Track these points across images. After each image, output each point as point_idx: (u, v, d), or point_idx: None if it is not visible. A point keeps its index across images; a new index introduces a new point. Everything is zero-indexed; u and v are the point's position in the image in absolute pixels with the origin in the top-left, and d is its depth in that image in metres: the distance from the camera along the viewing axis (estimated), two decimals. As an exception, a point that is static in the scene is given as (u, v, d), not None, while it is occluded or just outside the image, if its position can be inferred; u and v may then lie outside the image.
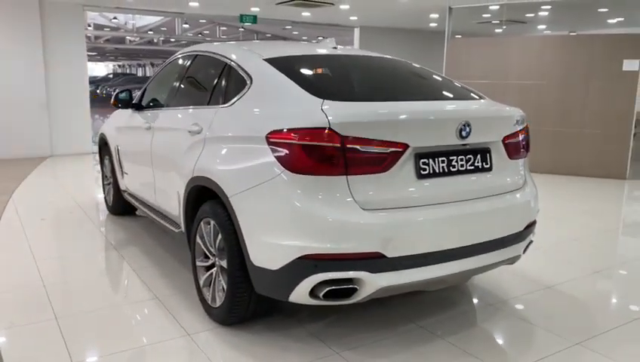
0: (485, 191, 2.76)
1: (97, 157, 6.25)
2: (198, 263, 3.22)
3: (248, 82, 2.97)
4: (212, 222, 2.97)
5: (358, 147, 2.39)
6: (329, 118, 2.37)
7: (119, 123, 4.90)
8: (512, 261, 2.96)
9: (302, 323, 3.06)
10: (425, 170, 2.56)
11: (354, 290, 2.45)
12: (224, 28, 18.30)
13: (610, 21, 11.32)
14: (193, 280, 3.31)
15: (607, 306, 3.47)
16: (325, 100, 2.54)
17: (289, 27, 13.89)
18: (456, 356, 2.73)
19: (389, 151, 2.45)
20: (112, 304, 3.34)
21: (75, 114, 9.68)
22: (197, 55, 3.82)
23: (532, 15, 10.36)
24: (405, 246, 2.44)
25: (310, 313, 3.17)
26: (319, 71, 3.13)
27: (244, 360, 2.67)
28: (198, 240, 3.18)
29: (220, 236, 2.88)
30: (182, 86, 3.86)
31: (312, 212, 2.39)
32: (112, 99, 4.51)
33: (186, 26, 17.83)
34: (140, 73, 44.11)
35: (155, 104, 4.20)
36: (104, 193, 5.62)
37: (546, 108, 8.39)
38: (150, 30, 20.38)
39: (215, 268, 3.05)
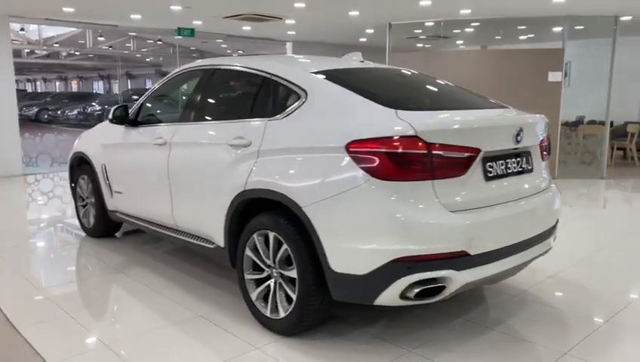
0: (531, 191, 3.05)
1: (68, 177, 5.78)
2: (247, 276, 3.20)
3: (302, 95, 3.03)
4: (271, 234, 2.98)
5: (441, 153, 2.57)
6: (414, 126, 2.53)
7: (106, 140, 4.66)
8: (546, 252, 3.28)
9: (358, 327, 3.15)
10: (490, 172, 2.79)
11: (442, 288, 2.61)
12: (146, 40, 17.66)
13: (521, 37, 12.52)
14: (236, 295, 3.30)
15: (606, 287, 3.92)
16: (398, 110, 2.69)
17: (219, 40, 13.76)
18: (513, 342, 2.98)
19: (465, 155, 2.65)
20: (158, 326, 3.20)
21: (1, 133, 8.90)
22: (217, 69, 3.79)
23: (458, 31, 11.19)
24: (484, 243, 2.65)
25: (362, 316, 3.27)
26: (372, 83, 3.26)
27: (327, 367, 2.73)
28: (249, 253, 3.17)
29: (284, 246, 2.91)
30: (205, 100, 3.80)
31: (404, 216, 2.52)
32: (110, 115, 4.32)
33: (102, 38, 16.98)
34: (30, 89, 41.00)
35: (163, 119, 4.08)
36: (78, 215, 5.28)
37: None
38: (56, 43, 19.15)
39: (272, 280, 3.06)
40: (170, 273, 4.10)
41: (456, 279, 2.60)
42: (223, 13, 8.58)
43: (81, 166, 5.13)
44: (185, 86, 4.22)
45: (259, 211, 3.13)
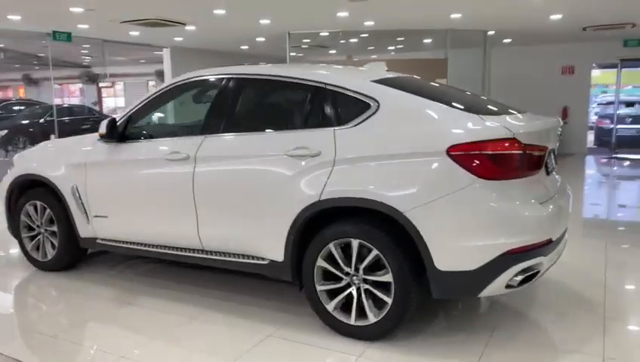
0: (561, 186, 3.49)
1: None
2: (320, 288, 3.16)
3: (372, 104, 3.08)
4: (355, 241, 3.00)
5: (531, 152, 2.87)
6: (511, 129, 2.79)
7: (78, 159, 4.09)
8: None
9: (423, 322, 3.31)
10: (548, 168, 3.18)
11: (536, 274, 2.91)
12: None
13: (390, 47, 13.65)
14: (281, 308, 3.43)
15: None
16: (480, 115, 2.93)
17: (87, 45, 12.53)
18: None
19: (542, 154, 2.98)
20: (239, 353, 2.97)
21: None
22: (249, 78, 3.62)
23: (343, 42, 11.80)
24: (556, 231, 3.01)
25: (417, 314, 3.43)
26: (429, 91, 3.39)
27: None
28: (322, 263, 3.13)
29: (373, 252, 2.95)
30: (240, 111, 3.58)
31: (510, 211, 2.77)
32: (105, 130, 3.80)
33: None
34: None
35: (174, 132, 3.75)
36: (24, 249, 4.50)
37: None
38: None
39: (353, 287, 3.06)
40: (184, 296, 3.78)
41: (545, 264, 2.93)
42: (125, 18, 7.92)
43: (28, 191, 4.41)
44: (193, 95, 3.89)
45: (326, 221, 3.11)
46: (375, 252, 2.96)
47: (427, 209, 2.80)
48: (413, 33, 10.33)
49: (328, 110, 3.24)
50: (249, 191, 3.35)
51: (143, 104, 3.97)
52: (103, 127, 3.84)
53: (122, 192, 3.91)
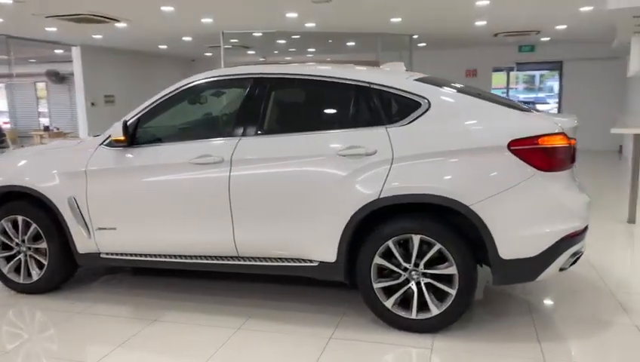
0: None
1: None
2: (377, 286, 3.18)
3: (422, 102, 3.17)
4: (416, 237, 3.07)
5: (574, 146, 3.13)
6: (561, 125, 3.03)
7: (76, 166, 3.69)
8: None
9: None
10: (573, 160, 3.48)
11: (580, 257, 3.18)
12: None
13: (311, 49, 13.83)
14: (322, 311, 3.43)
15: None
16: (525, 112, 3.15)
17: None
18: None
19: (576, 147, 3.27)
20: (317, 358, 2.89)
21: None
22: (284, 79, 3.51)
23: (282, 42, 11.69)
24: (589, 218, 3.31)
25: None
26: (466, 89, 3.52)
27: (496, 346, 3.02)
28: (380, 261, 3.15)
29: (436, 246, 3.03)
30: (279, 111, 3.44)
31: (567, 199, 3.01)
32: (124, 135, 3.46)
33: None
34: None
35: (198, 134, 3.54)
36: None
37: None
38: None
39: (412, 283, 3.13)
40: (211, 306, 3.58)
41: (583, 248, 3.21)
42: (53, 12, 7.17)
43: (5, 204, 3.89)
44: (234, 98, 3.65)
45: (378, 219, 3.15)
46: (438, 246, 3.05)
47: (492, 201, 2.95)
48: (345, 36, 10.56)
49: (376, 109, 3.26)
50: (297, 193, 3.27)
51: (153, 105, 3.69)
52: (119, 132, 3.50)
53: (136, 201, 3.60)
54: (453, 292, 3.06)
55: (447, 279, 3.09)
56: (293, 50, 13.45)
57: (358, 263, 3.21)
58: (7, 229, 3.92)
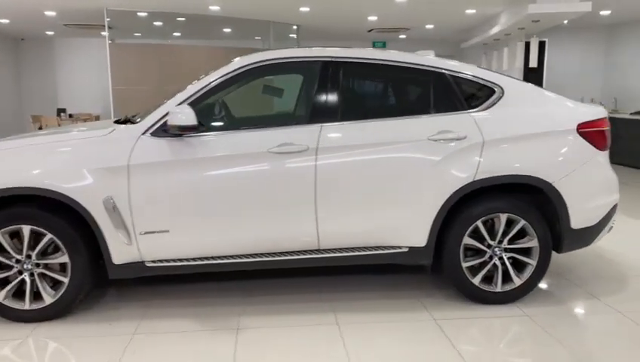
0: None
1: None
2: (465, 264, 3.34)
3: (497, 90, 3.39)
4: (503, 216, 3.30)
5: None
6: (604, 111, 3.54)
7: (121, 159, 3.06)
8: None
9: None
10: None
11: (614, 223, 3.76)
12: None
13: (176, 33, 12.89)
14: (396, 297, 3.49)
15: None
16: (569, 100, 3.60)
17: None
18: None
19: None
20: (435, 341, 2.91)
21: None
22: (361, 63, 3.38)
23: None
24: None
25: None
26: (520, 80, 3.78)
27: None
28: (468, 241, 3.31)
29: (521, 223, 3.30)
30: (356, 97, 3.29)
31: (612, 175, 3.52)
32: (191, 121, 2.94)
33: None
34: None
35: (251, 122, 3.24)
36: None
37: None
38: None
39: (495, 258, 3.36)
40: (300, 306, 3.34)
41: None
42: None
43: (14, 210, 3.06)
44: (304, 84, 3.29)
45: (464, 201, 3.31)
46: (522, 222, 3.32)
47: (568, 178, 3.33)
48: (236, 22, 10.16)
49: (456, 95, 3.39)
50: (388, 180, 3.23)
51: (205, 90, 3.25)
52: (189, 118, 2.99)
53: (199, 197, 3.14)
54: (533, 263, 3.37)
55: (527, 252, 3.38)
56: (178, 34, 12.44)
57: (447, 245, 3.32)
58: (4, 243, 3.07)
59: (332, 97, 3.31)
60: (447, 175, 3.24)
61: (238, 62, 3.32)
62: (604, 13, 7.18)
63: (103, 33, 12.92)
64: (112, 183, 3.07)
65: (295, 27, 10.93)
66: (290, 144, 3.17)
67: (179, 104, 3.19)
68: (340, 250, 3.32)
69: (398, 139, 3.26)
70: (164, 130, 3.14)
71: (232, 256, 3.25)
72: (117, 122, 3.64)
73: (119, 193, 3.08)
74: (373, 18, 9.82)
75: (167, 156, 3.12)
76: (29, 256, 3.11)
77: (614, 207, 3.53)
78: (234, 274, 3.86)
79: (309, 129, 3.23)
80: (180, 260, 3.22)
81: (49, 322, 3.16)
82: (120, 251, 3.14)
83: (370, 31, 11.94)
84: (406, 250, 3.32)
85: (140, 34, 11.04)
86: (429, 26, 11.08)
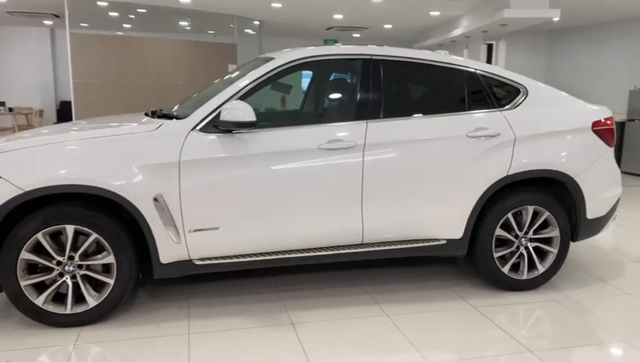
0: None
1: None
2: (496, 255, 3.53)
3: (522, 90, 3.62)
4: (531, 208, 3.53)
5: (613, 128, 4.02)
6: (610, 111, 3.87)
7: (171, 155, 2.98)
8: None
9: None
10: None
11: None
12: None
13: (127, 25, 12.32)
14: (425, 286, 3.60)
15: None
16: (579, 100, 3.90)
17: None
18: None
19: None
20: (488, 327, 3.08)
21: None
22: (400, 62, 3.48)
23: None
24: None
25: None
26: None
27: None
28: (499, 232, 3.51)
29: (545, 214, 3.55)
30: (396, 95, 3.39)
31: (618, 170, 3.85)
32: (250, 117, 2.90)
33: None
34: None
35: (297, 118, 3.28)
36: (25, 301, 2.89)
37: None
38: None
39: (522, 248, 3.58)
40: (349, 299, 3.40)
41: None
42: None
43: (41, 209, 2.87)
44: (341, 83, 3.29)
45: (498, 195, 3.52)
46: (547, 213, 3.57)
47: (586, 172, 3.61)
48: (200, 15, 9.89)
49: (487, 94, 3.58)
50: (430, 175, 3.36)
51: (252, 86, 3.22)
52: (242, 114, 2.95)
53: (249, 193, 3.12)
54: (555, 251, 3.63)
55: (549, 241, 3.64)
56: (129, 26, 11.85)
57: (481, 236, 3.50)
58: (45, 245, 2.90)
59: (375, 94, 3.39)
60: (484, 170, 3.41)
61: (284, 59, 3.32)
62: (556, 19, 7.75)
63: (46, 22, 12.21)
64: (162, 180, 2.99)
65: (257, 23, 10.84)
66: (339, 140, 3.22)
67: (227, 100, 3.15)
68: (382, 243, 3.42)
69: (439, 136, 3.40)
70: (214, 126, 3.09)
71: (278, 252, 3.26)
72: (146, 115, 3.56)
73: (169, 190, 3.00)
74: (339, 16, 9.94)
75: (218, 152, 3.07)
76: (70, 258, 2.96)
77: (619, 199, 3.87)
78: (264, 270, 3.85)
79: (356, 125, 3.29)
80: (230, 257, 3.19)
81: (90, 326, 3.02)
82: (168, 250, 3.06)
83: (328, 29, 12.06)
84: (444, 242, 3.47)
85: (99, 24, 10.50)
86: (388, 26, 11.36)
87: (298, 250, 3.29)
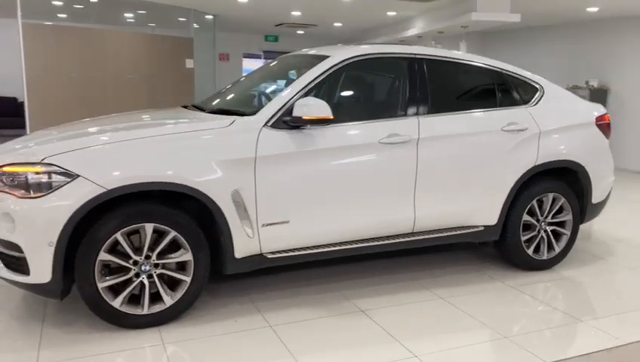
0: None
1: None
2: (524, 238, 3.90)
3: (539, 88, 4.00)
4: (551, 195, 3.92)
5: (606, 123, 4.51)
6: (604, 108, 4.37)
7: (248, 151, 3.02)
8: None
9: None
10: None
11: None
12: None
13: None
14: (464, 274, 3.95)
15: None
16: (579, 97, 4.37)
17: None
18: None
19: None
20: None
21: None
22: (443, 61, 3.73)
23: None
24: None
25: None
26: None
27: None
28: (526, 218, 3.88)
29: (562, 200, 3.96)
30: (440, 92, 3.65)
31: (612, 160, 4.36)
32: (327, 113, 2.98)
33: None
34: None
35: (368, 115, 3.46)
36: (101, 303, 2.80)
37: (144, 101, 8.80)
38: None
39: (542, 231, 3.98)
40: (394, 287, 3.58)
41: None
42: None
43: (119, 209, 2.79)
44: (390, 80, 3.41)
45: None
46: (563, 199, 3.98)
47: (593, 162, 4.07)
48: (156, 8, 9.48)
49: (512, 92, 3.92)
50: (474, 166, 3.64)
51: (315, 82, 3.31)
52: (318, 110, 3.03)
53: (317, 187, 3.22)
54: (568, 233, 4.06)
55: (563, 225, 4.06)
56: (64, 15, 11.01)
57: (511, 222, 3.83)
58: (124, 244, 2.82)
59: (423, 91, 3.60)
60: (516, 161, 3.75)
61: (341, 56, 3.44)
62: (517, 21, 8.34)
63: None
64: (239, 175, 3.01)
65: (211, 17, 10.63)
66: (396, 135, 3.40)
67: (293, 97, 3.21)
68: (429, 232, 3.65)
69: (479, 130, 3.69)
70: (283, 122, 3.15)
71: (341, 243, 3.38)
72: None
73: (246, 185, 3.03)
74: (296, 13, 10.02)
75: (289, 148, 3.14)
76: (146, 257, 2.90)
77: (612, 186, 4.40)
78: (296, 264, 3.94)
79: (410, 121, 3.49)
80: (298, 249, 3.26)
81: (167, 326, 2.97)
82: (243, 245, 3.08)
83: (277, 25, 12.09)
84: (482, 228, 3.77)
85: (52, 15, 9.77)
86: (338, 24, 11.61)
87: (358, 241, 3.43)
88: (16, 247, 2.71)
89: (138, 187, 2.79)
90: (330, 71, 3.38)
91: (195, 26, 10.31)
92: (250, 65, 16.62)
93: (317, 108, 3.07)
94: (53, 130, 3.46)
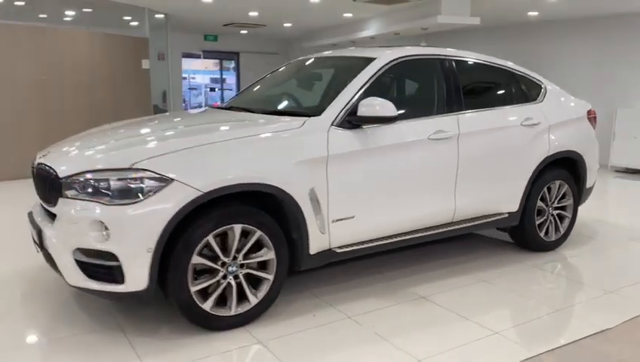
0: None
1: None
2: (538, 221, 4.32)
3: (542, 85, 4.44)
4: (558, 182, 4.38)
5: (590, 116, 5.05)
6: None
7: (320, 151, 3.14)
8: None
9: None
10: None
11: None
12: None
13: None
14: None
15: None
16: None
17: None
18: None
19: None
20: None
21: None
22: (471, 63, 4.08)
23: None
24: None
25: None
26: None
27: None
28: (539, 203, 4.30)
29: (565, 187, 4.43)
30: (470, 90, 3.96)
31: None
32: (393, 113, 3.17)
33: None
34: None
35: (416, 113, 3.69)
36: (197, 307, 2.80)
37: (100, 104, 8.39)
38: None
39: (550, 216, 4.42)
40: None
41: None
42: None
43: (213, 211, 2.81)
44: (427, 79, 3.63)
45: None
46: (566, 186, 4.45)
47: (588, 151, 4.58)
48: (110, 6, 9.02)
49: (523, 89, 4.32)
50: (503, 158, 4.01)
51: (370, 82, 3.49)
52: (383, 110, 3.21)
53: (378, 183, 3.40)
54: (570, 215, 4.54)
55: (565, 208, 4.53)
56: (44, 16, 10.05)
57: (529, 208, 4.23)
58: (215, 246, 2.83)
59: (458, 90, 3.89)
60: (534, 152, 4.16)
61: (388, 57, 3.64)
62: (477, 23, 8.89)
63: None
64: (314, 174, 3.11)
65: (162, 16, 10.30)
66: (442, 131, 3.66)
67: (351, 98, 3.36)
68: (465, 221, 3.94)
69: (505, 125, 4.06)
70: (347, 121, 3.29)
71: (397, 235, 3.58)
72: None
73: (319, 184, 3.14)
74: (254, 14, 10.00)
75: (355, 146, 3.28)
76: (234, 258, 2.92)
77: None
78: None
79: (451, 118, 3.76)
80: (361, 243, 3.42)
81: (252, 325, 3.01)
82: (316, 241, 3.19)
83: (226, 25, 11.94)
84: (507, 215, 4.13)
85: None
86: (287, 25, 11.70)
87: (411, 232, 3.65)
88: (110, 256, 2.65)
89: (232, 189, 2.82)
90: (381, 72, 3.57)
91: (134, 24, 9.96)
92: (190, 65, 16.32)
93: (380, 107, 3.25)
94: (93, 137, 3.33)
